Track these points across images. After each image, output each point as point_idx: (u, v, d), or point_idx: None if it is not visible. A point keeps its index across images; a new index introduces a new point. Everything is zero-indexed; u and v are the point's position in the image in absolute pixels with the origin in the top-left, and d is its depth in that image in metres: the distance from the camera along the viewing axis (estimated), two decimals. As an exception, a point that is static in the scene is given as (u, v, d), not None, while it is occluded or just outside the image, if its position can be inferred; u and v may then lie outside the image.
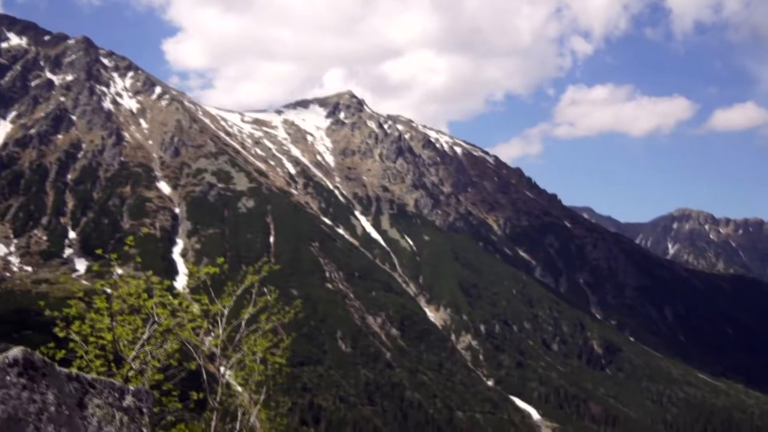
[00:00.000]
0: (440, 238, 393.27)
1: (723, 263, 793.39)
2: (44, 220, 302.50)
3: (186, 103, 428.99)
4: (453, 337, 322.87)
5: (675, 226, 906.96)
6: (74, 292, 15.77)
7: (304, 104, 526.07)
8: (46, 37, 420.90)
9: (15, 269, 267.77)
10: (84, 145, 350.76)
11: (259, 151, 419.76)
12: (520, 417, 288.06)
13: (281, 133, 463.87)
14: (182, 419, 13.27)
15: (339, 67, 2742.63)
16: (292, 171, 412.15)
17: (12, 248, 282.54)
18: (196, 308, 15.37)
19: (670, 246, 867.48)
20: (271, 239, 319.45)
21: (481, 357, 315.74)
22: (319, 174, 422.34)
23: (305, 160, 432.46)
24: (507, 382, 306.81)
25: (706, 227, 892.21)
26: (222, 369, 14.38)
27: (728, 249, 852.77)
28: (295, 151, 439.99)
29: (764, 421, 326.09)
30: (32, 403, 6.47)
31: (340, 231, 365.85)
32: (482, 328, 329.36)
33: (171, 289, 15.41)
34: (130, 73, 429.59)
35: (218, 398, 13.71)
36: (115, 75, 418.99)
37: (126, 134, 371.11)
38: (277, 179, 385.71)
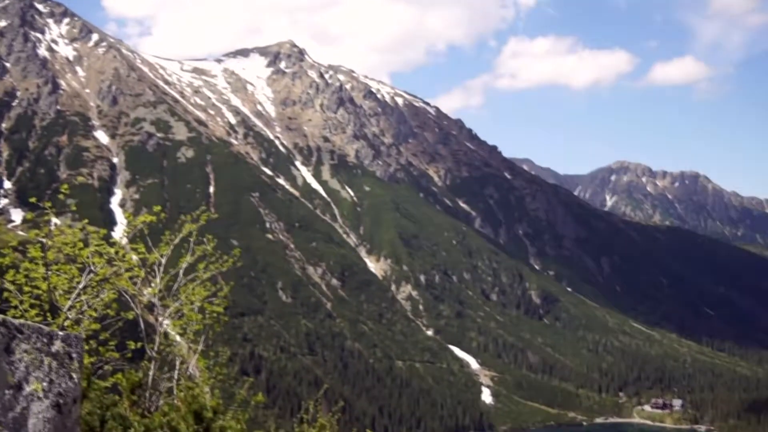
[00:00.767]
0: (381, 189, 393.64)
1: (659, 215, 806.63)
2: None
3: (124, 51, 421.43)
4: (393, 287, 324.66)
5: (613, 178, 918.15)
6: (8, 241, 15.52)
7: (244, 53, 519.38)
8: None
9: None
10: (18, 93, 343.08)
11: (198, 101, 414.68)
12: (459, 366, 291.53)
13: (221, 83, 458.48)
14: (119, 369, 13.17)
15: (280, 15, 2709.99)
16: (232, 121, 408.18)
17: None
18: (133, 257, 15.23)
19: (608, 198, 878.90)
20: (211, 189, 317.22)
21: (420, 307, 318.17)
22: (259, 124, 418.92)
23: (245, 110, 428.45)
24: (446, 331, 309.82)
25: (644, 180, 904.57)
26: (160, 318, 14.29)
27: (665, 201, 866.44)
28: (235, 101, 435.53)
29: (696, 369, 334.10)
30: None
31: (281, 181, 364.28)
32: (422, 278, 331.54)
33: (108, 238, 15.23)
34: (66, 20, 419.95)
35: (156, 348, 13.64)
36: (50, 21, 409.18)
37: (62, 82, 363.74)
38: (216, 129, 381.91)
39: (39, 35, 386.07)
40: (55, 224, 15.42)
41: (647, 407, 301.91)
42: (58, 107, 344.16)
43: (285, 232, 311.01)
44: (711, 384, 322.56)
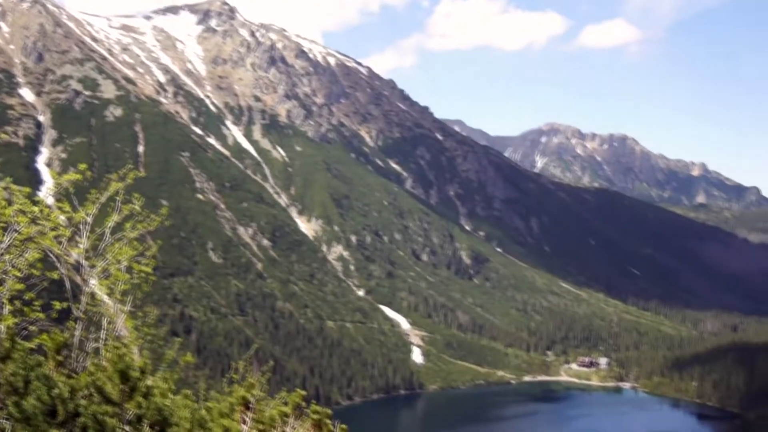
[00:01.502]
0: (312, 149, 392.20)
1: (588, 177, 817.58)
2: None
3: (49, 6, 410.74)
4: (324, 247, 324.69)
5: (543, 140, 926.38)
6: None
7: (173, 10, 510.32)
8: None
9: None
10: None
11: (127, 58, 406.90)
12: (390, 326, 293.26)
13: (150, 40, 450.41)
14: (45, 329, 12.96)
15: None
16: (162, 79, 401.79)
17: None
18: (59, 217, 14.95)
19: (538, 159, 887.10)
20: (140, 149, 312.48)
21: (351, 267, 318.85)
22: (189, 83, 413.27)
23: (175, 68, 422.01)
24: (377, 292, 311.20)
25: (573, 141, 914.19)
26: (86, 278, 14.07)
27: (593, 163, 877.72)
28: (165, 59, 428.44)
29: (622, 328, 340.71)
30: None
31: (211, 141, 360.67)
32: (353, 239, 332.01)
33: (32, 196, 14.92)
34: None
35: (82, 308, 13.43)
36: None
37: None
38: (146, 87, 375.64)
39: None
40: (-24, 183, 15.06)
41: (574, 365, 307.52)
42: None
43: (215, 192, 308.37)
44: (636, 342, 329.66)
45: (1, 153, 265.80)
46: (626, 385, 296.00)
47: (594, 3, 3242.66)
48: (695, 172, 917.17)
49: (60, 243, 14.45)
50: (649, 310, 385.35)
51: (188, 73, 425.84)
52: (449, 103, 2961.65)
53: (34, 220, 13.89)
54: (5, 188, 14.44)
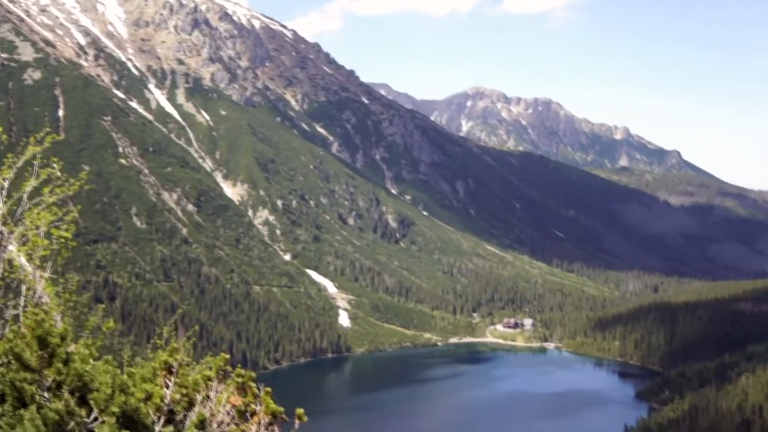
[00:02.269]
0: (237, 113, 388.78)
1: (513, 140, 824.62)
2: None
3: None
4: (250, 212, 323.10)
5: (469, 104, 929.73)
6: None
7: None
8: None
9: None
10: None
11: (45, 20, 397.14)
12: (317, 290, 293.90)
13: (69, 2, 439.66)
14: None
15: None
16: (82, 42, 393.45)
17: None
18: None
19: (463, 123, 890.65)
20: (60, 113, 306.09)
21: (278, 232, 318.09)
22: (110, 45, 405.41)
23: (96, 31, 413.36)
24: (304, 256, 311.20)
25: (499, 106, 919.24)
26: (3, 244, 13.80)
27: (518, 127, 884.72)
28: (85, 21, 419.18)
29: (546, 289, 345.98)
30: None
31: (134, 105, 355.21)
32: (279, 203, 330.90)
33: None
34: None
35: (0, 274, 13.19)
36: None
37: None
38: (65, 50, 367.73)
39: None
40: None
41: (499, 327, 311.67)
42: None
43: (139, 157, 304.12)
44: (560, 304, 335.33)
45: None
46: (550, 345, 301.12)
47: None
48: (618, 136, 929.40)
49: (-25, 208, 14.13)
50: (573, 271, 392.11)
51: (109, 35, 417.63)
52: (375, 67, 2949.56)
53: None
54: None
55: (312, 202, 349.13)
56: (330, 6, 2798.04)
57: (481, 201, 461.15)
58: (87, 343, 11.88)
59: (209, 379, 11.04)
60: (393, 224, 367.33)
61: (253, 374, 11.35)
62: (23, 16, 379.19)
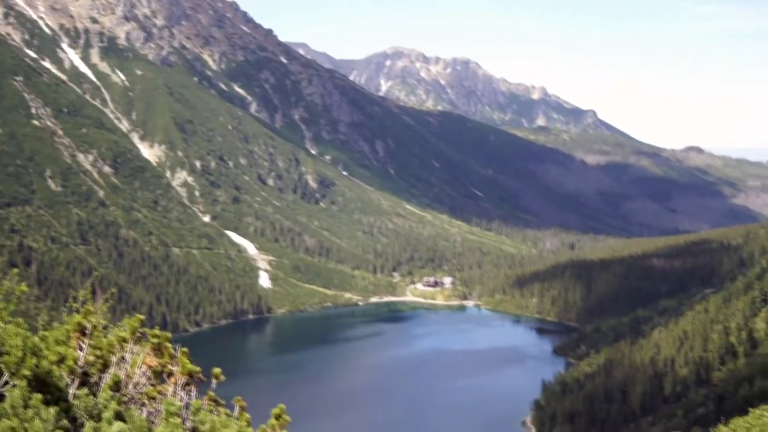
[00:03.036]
0: (153, 73, 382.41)
1: (432, 100, 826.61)
2: None
3: None
4: (168, 173, 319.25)
5: (388, 63, 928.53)
6: None
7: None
8: None
9: None
10: None
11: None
12: (237, 251, 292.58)
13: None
14: None
15: None
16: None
17: None
18: None
19: (383, 83, 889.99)
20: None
21: (197, 193, 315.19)
22: (20, 3, 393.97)
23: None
24: (223, 217, 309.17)
25: (418, 65, 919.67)
26: None
27: (437, 86, 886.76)
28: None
29: (465, 248, 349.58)
30: None
31: (46, 65, 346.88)
32: (198, 164, 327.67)
33: None
34: None
35: None
36: None
37: None
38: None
39: None
40: None
41: (420, 286, 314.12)
42: None
43: (52, 118, 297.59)
44: (479, 262, 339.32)
45: None
46: (470, 303, 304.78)
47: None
48: (535, 96, 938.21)
49: None
50: (492, 230, 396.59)
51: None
52: (293, 25, 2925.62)
53: None
54: None
55: (231, 163, 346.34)
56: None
57: (401, 161, 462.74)
58: (-2, 308, 11.77)
59: (124, 340, 11.06)
60: (313, 184, 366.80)
61: (169, 335, 11.40)
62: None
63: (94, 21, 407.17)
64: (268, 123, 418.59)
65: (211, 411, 10.55)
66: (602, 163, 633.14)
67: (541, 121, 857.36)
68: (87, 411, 9.21)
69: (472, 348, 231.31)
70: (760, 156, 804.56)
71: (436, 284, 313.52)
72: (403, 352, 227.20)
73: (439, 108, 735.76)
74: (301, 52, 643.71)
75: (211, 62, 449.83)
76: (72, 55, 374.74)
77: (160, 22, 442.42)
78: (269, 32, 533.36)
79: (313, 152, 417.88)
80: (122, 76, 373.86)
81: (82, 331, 10.13)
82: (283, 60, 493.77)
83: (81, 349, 10.05)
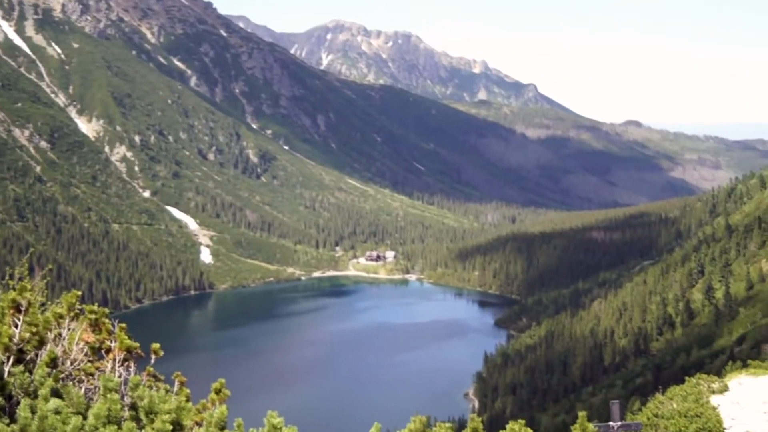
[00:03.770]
0: (91, 47, 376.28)
1: (374, 74, 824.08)
2: None
3: None
4: (107, 148, 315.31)
5: (329, 36, 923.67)
6: None
7: None
8: None
9: None
10: None
11: None
12: (178, 227, 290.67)
13: None
14: None
15: None
16: None
17: None
18: None
19: (324, 57, 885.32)
20: None
21: (136, 168, 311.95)
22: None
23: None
24: (163, 192, 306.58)
25: (359, 39, 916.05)
26: None
27: (379, 60, 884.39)
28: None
29: (407, 222, 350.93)
30: None
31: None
32: (137, 139, 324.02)
33: None
34: None
35: None
36: None
37: None
38: None
39: None
40: None
41: (362, 260, 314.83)
42: None
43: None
44: (421, 236, 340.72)
45: None
46: (412, 276, 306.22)
47: None
48: (476, 70, 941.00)
49: None
50: (433, 204, 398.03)
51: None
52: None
53: None
54: None
55: (171, 138, 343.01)
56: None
57: (342, 135, 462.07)
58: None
59: (61, 316, 10.90)
60: (254, 159, 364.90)
61: (107, 311, 11.26)
62: None
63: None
64: (208, 97, 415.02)
65: (150, 387, 10.46)
66: (543, 137, 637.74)
67: (482, 95, 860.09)
68: (23, 388, 9.08)
69: (415, 321, 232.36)
70: (697, 130, 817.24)
71: (378, 258, 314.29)
72: (345, 327, 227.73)
73: (381, 82, 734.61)
74: (241, 25, 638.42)
75: (149, 35, 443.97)
76: (6, 28, 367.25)
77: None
78: (208, 5, 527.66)
79: (254, 126, 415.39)
80: (58, 50, 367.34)
81: (17, 308, 9.95)
82: (223, 33, 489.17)
83: (16, 326, 9.89)
